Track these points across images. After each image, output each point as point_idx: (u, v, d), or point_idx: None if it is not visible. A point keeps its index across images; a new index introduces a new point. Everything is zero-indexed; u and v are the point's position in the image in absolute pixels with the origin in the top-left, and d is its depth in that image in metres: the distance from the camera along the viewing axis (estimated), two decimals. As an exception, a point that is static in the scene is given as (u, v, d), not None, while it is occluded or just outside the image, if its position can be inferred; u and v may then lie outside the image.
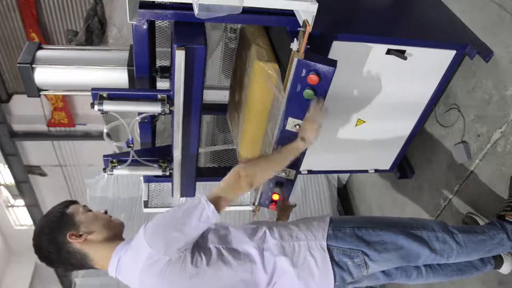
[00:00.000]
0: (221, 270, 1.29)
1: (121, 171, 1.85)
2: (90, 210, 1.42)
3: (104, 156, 1.86)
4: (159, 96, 1.59)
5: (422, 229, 1.56)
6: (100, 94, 1.53)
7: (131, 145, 1.70)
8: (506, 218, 1.76)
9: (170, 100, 1.58)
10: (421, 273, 1.75)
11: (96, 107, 1.52)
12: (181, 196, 2.02)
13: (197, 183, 2.04)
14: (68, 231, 1.31)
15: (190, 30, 1.48)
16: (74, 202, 1.43)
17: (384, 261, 1.49)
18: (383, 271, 1.65)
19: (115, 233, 1.39)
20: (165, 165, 1.89)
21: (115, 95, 1.55)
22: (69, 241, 1.30)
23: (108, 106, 1.52)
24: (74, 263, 1.34)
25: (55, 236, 1.31)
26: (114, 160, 1.84)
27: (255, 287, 1.35)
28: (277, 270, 1.36)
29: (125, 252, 1.28)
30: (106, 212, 1.44)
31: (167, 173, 1.92)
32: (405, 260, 1.53)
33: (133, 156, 1.79)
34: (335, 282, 1.42)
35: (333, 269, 1.41)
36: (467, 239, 1.62)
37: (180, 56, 1.41)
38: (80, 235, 1.31)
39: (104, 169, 1.85)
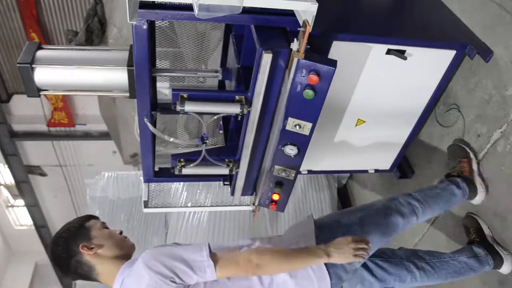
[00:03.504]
0: (219, 286, 1.33)
1: (190, 170, 1.85)
2: (107, 228, 1.50)
3: (172, 155, 1.88)
4: (237, 97, 1.61)
5: (389, 203, 1.80)
6: (181, 95, 1.56)
7: (206, 141, 1.70)
8: (452, 175, 2.08)
9: (248, 101, 1.60)
10: (415, 277, 1.78)
11: (178, 107, 1.56)
12: (242, 195, 2.03)
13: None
14: (81, 242, 1.40)
15: (272, 33, 1.50)
16: (94, 217, 1.51)
17: (370, 244, 1.49)
18: (376, 277, 1.69)
19: (125, 254, 1.45)
20: (232, 164, 1.88)
21: (194, 96, 1.59)
22: (80, 251, 1.39)
23: (190, 107, 1.57)
24: (80, 273, 1.41)
25: (69, 244, 1.40)
26: (182, 159, 1.84)
27: None
28: (274, 283, 1.41)
29: (129, 274, 1.32)
30: (121, 232, 1.51)
31: (233, 173, 1.91)
32: (387, 234, 1.69)
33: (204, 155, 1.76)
34: (331, 280, 1.47)
35: (327, 268, 1.47)
36: (424, 195, 1.89)
37: (266, 59, 1.42)
38: (91, 248, 1.39)
39: (173, 168, 1.85)
